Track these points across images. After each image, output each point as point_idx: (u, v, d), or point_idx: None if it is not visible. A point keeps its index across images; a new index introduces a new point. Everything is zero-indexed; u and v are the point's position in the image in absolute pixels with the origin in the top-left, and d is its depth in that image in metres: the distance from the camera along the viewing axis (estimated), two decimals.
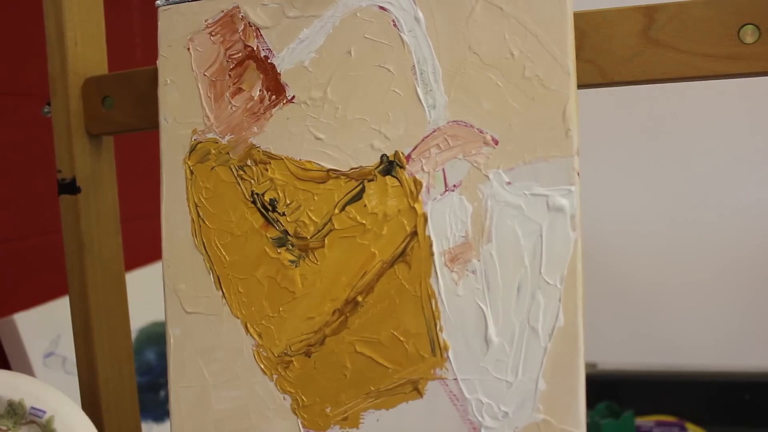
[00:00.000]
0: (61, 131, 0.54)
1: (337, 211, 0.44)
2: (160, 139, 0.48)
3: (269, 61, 0.45)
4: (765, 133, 1.17)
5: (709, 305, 1.21)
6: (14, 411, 0.46)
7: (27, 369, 0.80)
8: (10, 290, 0.82)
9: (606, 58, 0.41)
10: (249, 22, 0.46)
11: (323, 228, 0.44)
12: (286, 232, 0.45)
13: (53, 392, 0.48)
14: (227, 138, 0.46)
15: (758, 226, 1.18)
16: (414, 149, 0.42)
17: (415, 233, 0.42)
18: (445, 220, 0.41)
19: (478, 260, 0.41)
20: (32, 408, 0.46)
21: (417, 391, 0.42)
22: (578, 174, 0.39)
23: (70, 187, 0.53)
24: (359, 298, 0.43)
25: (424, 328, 0.42)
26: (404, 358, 0.42)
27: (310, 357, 0.44)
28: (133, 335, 0.70)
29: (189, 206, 0.47)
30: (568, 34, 0.40)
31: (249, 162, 0.45)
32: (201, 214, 0.46)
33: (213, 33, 0.46)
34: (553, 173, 0.40)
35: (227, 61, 0.46)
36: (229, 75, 0.46)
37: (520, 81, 0.40)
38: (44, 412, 0.46)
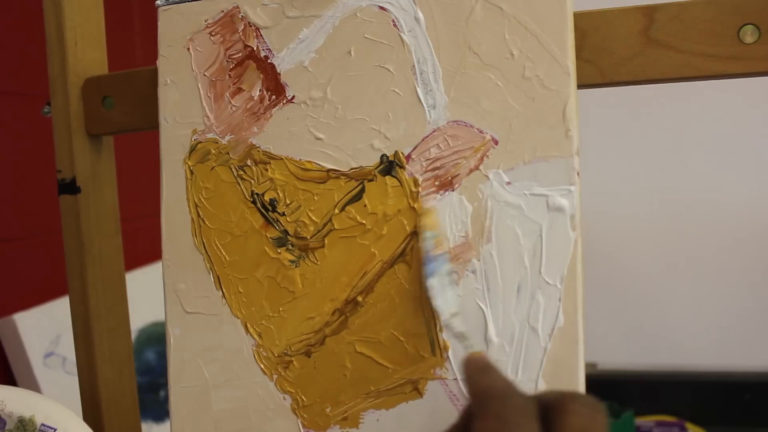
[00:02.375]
0: (61, 131, 0.54)
1: (337, 211, 0.44)
2: (160, 139, 0.48)
3: (269, 61, 0.45)
4: (764, 132, 1.17)
5: (709, 305, 1.21)
6: (24, 427, 0.46)
7: (27, 369, 0.80)
8: (10, 290, 0.82)
9: (606, 58, 0.41)
10: (249, 22, 0.46)
11: (323, 228, 0.44)
12: (286, 232, 0.45)
13: (63, 410, 0.47)
14: (227, 138, 0.46)
15: (758, 227, 1.18)
16: (414, 149, 0.42)
17: (415, 233, 0.42)
18: (445, 220, 0.41)
19: (478, 260, 0.41)
20: (42, 425, 0.46)
21: (417, 391, 0.42)
22: (578, 174, 0.39)
23: (70, 187, 0.53)
24: (359, 298, 0.43)
25: (424, 328, 0.42)
26: (404, 358, 0.42)
27: (310, 357, 0.44)
28: (133, 335, 0.70)
29: (189, 206, 0.47)
30: (568, 34, 0.40)
31: (249, 162, 0.45)
32: (201, 214, 0.46)
33: (213, 33, 0.46)
34: (553, 173, 0.40)
35: (227, 61, 0.46)
36: (229, 75, 0.46)
37: (520, 81, 0.40)
38: (54, 429, 0.46)
